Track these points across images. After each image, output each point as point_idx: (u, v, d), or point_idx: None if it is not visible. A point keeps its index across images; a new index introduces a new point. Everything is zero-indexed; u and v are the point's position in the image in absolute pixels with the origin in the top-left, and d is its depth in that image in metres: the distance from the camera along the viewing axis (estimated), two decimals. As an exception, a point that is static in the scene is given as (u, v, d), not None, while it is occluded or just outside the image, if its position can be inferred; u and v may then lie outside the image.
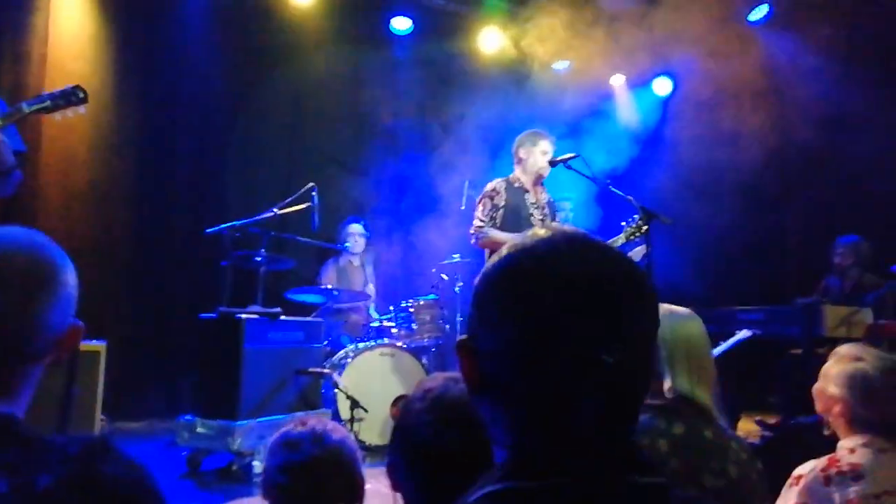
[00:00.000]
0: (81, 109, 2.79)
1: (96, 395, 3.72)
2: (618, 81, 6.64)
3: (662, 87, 6.64)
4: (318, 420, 1.40)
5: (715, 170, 5.46)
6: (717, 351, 4.06)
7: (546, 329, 0.64)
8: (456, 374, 1.12)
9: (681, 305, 1.60)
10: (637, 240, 3.67)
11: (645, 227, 3.63)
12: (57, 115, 2.75)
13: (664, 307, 1.42)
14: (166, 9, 5.15)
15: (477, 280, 0.71)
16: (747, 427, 4.29)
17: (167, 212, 5.18)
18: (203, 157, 5.45)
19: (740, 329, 4.22)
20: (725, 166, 5.43)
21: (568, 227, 0.74)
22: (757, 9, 6.02)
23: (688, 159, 5.47)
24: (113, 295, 4.72)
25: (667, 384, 1.43)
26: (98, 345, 3.76)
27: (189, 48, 5.21)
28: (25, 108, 2.66)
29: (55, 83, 4.18)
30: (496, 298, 0.68)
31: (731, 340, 4.11)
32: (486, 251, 3.99)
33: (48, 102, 2.70)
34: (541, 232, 0.71)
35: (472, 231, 3.96)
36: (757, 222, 5.56)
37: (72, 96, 2.73)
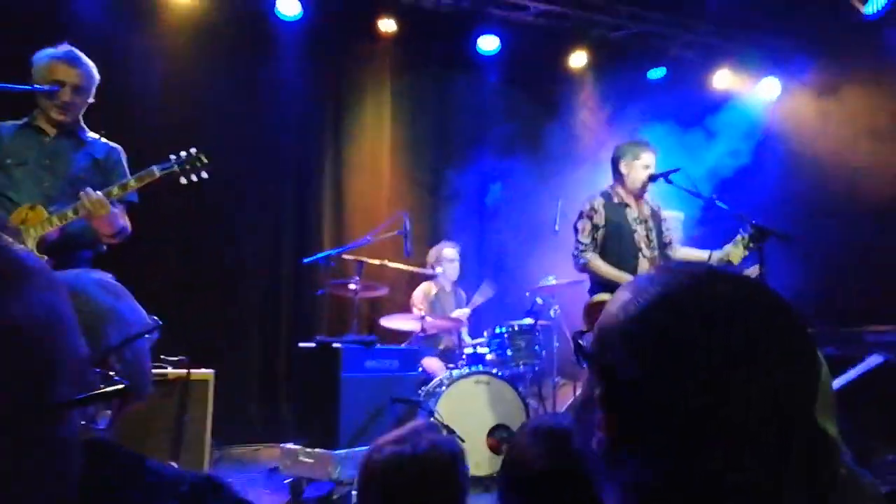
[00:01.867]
0: (204, 175, 2.94)
1: (206, 421, 3.89)
2: (720, 85, 6.29)
3: (769, 89, 6.21)
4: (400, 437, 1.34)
5: (836, 182, 5.00)
6: (843, 379, 3.70)
7: (729, 369, 0.59)
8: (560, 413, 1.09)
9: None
10: (750, 254, 3.41)
11: (752, 244, 3.39)
12: (183, 180, 2.91)
13: None
14: (264, 43, 5.36)
15: (624, 322, 0.64)
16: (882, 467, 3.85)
17: (268, 244, 5.36)
18: (299, 188, 5.62)
19: (870, 353, 3.83)
20: (847, 177, 4.96)
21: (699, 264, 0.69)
22: (871, 1, 5.48)
23: (802, 170, 5.06)
24: (220, 325, 4.94)
25: None
26: (207, 373, 3.94)
27: (286, 82, 5.40)
28: (157, 172, 2.83)
29: (166, 129, 4.45)
30: (658, 343, 0.62)
31: (860, 367, 3.73)
32: (588, 276, 3.82)
33: (176, 168, 2.88)
34: (675, 269, 0.67)
35: (574, 254, 3.78)
36: (891, 236, 5.01)
37: (197, 162, 2.92)
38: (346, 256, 4.17)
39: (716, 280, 0.64)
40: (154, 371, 1.25)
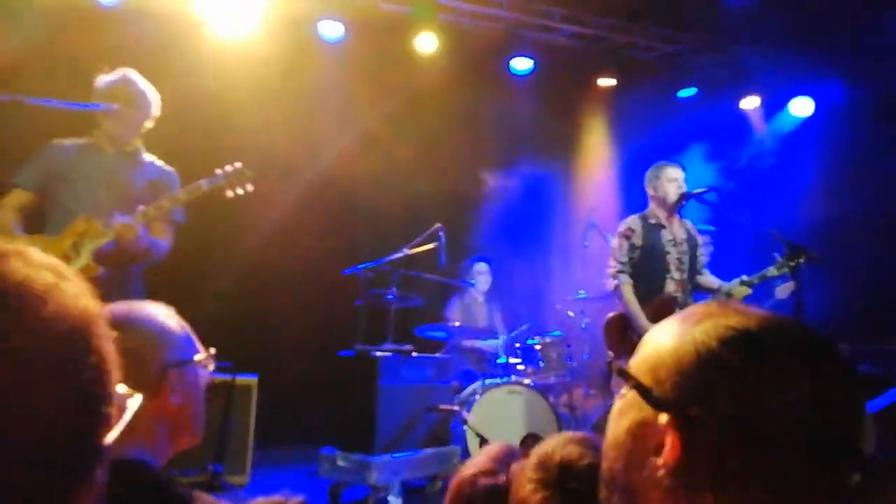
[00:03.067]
0: (249, 187, 3.08)
1: (249, 424, 4.05)
2: (750, 105, 6.30)
3: (803, 108, 6.19)
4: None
5: (874, 199, 4.98)
6: (880, 401, 3.68)
7: (802, 411, 0.62)
8: (579, 436, 1.05)
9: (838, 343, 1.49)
10: (786, 274, 3.47)
11: (793, 263, 3.44)
12: (229, 192, 3.04)
13: None
14: (307, 63, 5.53)
15: (695, 356, 0.65)
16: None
17: (309, 256, 5.51)
18: (339, 203, 5.79)
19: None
20: (884, 195, 4.94)
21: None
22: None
23: (837, 188, 5.05)
24: (264, 334, 5.11)
25: None
26: (251, 379, 4.11)
27: (328, 99, 5.56)
28: (204, 185, 2.97)
29: (216, 147, 4.63)
30: (733, 379, 0.63)
31: (899, 388, 3.71)
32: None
33: (223, 182, 3.01)
34: (743, 311, 0.69)
35: (610, 272, 3.84)
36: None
37: (241, 175, 3.05)
38: (383, 268, 4.31)
39: (794, 328, 0.67)
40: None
